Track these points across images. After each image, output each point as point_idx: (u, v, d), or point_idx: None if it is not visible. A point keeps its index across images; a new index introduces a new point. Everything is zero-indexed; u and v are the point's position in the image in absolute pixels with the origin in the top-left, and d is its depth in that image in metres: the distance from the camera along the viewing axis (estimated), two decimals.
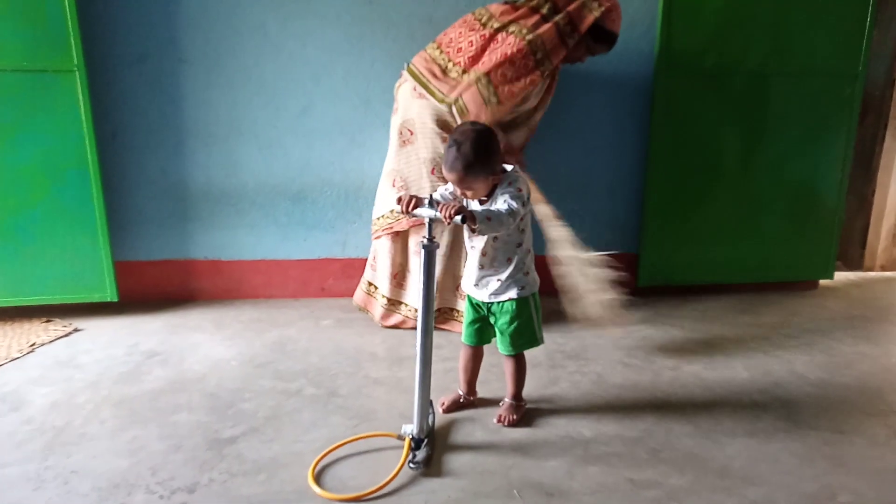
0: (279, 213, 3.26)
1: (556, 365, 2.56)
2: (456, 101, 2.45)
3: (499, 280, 1.98)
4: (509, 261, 1.96)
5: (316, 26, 3.10)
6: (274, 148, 3.18)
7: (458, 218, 1.66)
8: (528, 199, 1.89)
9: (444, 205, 1.71)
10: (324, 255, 3.34)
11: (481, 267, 1.98)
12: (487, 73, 2.39)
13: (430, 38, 2.86)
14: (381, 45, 3.11)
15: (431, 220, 1.74)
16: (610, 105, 3.30)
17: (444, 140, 2.47)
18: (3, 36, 2.73)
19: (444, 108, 2.51)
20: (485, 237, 1.91)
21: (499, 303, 2.01)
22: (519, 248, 1.96)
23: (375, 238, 2.86)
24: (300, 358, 2.64)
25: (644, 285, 3.41)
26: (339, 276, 3.38)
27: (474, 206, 1.87)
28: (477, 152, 1.78)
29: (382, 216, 2.76)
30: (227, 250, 3.29)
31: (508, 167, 1.92)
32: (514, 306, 2.00)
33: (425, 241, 1.74)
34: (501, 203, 1.81)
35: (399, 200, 1.78)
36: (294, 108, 3.12)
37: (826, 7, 3.15)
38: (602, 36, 2.54)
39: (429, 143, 2.58)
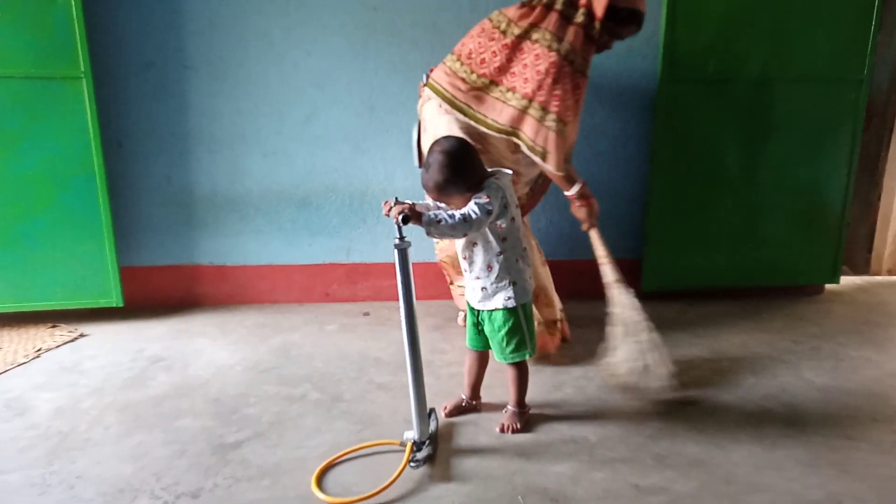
0: (284, 218, 3.23)
1: (560, 369, 2.52)
2: (522, 139, 2.24)
3: (483, 288, 1.94)
4: (490, 269, 1.91)
5: (320, 34, 3.06)
6: (278, 155, 3.16)
7: (399, 218, 1.65)
8: (505, 207, 1.83)
9: (395, 206, 1.70)
10: (328, 261, 3.31)
11: (465, 270, 1.96)
12: (531, 99, 2.21)
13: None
14: (385, 52, 3.04)
15: (400, 221, 1.72)
16: (613, 110, 3.22)
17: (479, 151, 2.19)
18: (11, 43, 2.72)
19: (470, 121, 2.32)
20: (461, 242, 1.91)
21: (487, 311, 1.98)
22: (499, 256, 1.89)
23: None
24: (304, 363, 2.60)
25: (648, 290, 3.35)
26: (343, 282, 3.35)
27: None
28: (446, 174, 1.77)
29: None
30: (231, 256, 3.26)
31: (507, 171, 1.89)
32: (500, 316, 1.95)
33: (396, 240, 1.72)
34: (465, 208, 1.78)
35: (385, 204, 1.77)
36: (298, 115, 3.08)
37: (829, 12, 3.10)
38: (626, 17, 2.30)
39: None
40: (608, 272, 2.26)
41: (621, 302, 2.21)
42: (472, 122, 2.28)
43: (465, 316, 2.15)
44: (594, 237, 2.27)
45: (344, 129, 3.12)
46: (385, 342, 2.80)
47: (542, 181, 2.60)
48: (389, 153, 3.10)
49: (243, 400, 2.29)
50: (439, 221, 1.70)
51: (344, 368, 2.55)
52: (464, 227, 1.74)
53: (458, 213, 1.74)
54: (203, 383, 2.41)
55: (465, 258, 1.92)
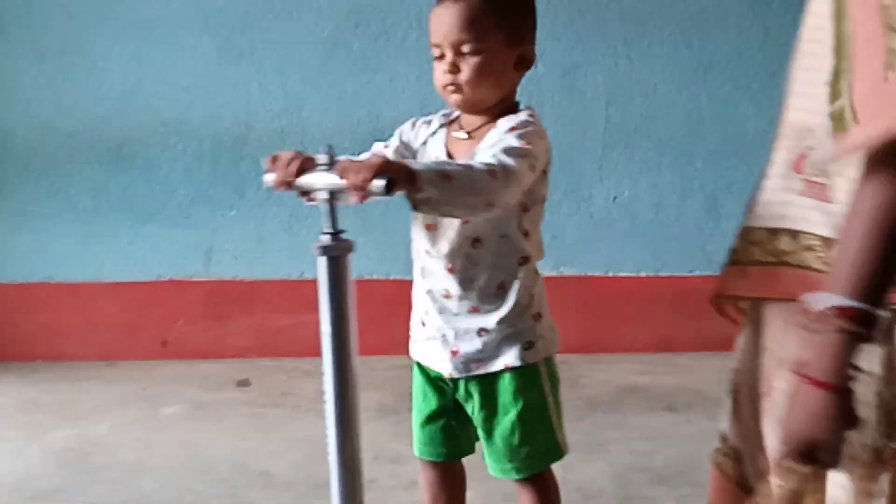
0: (80, 186, 2.54)
1: (630, 495, 2.00)
2: None
3: (483, 330, 1.36)
4: (502, 290, 1.34)
5: None
6: (70, 57, 2.46)
7: (377, 183, 1.04)
8: (545, 168, 1.30)
9: (347, 163, 1.10)
10: (167, 274, 2.57)
11: (446, 298, 1.35)
12: None
13: None
14: None
15: (332, 199, 1.12)
16: None
17: None
18: None
19: None
20: (450, 235, 1.29)
21: (482, 378, 1.36)
22: (523, 265, 1.34)
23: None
24: (119, 482, 2.07)
25: None
26: (198, 316, 2.58)
27: (433, 151, 1.30)
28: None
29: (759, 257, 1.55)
30: None
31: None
32: (514, 383, 1.36)
33: (324, 238, 1.14)
34: (486, 150, 1.21)
35: (272, 161, 1.15)
36: None
37: None
38: None
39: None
40: None
41: None
42: None
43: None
44: None
45: (203, 8, 2.45)
46: (281, 439, 2.25)
47: None
48: (292, 57, 2.43)
49: None
50: (449, 176, 1.12)
51: (200, 492, 2.01)
52: (492, 186, 1.18)
53: (482, 159, 1.18)
54: None
55: (452, 269, 1.34)
